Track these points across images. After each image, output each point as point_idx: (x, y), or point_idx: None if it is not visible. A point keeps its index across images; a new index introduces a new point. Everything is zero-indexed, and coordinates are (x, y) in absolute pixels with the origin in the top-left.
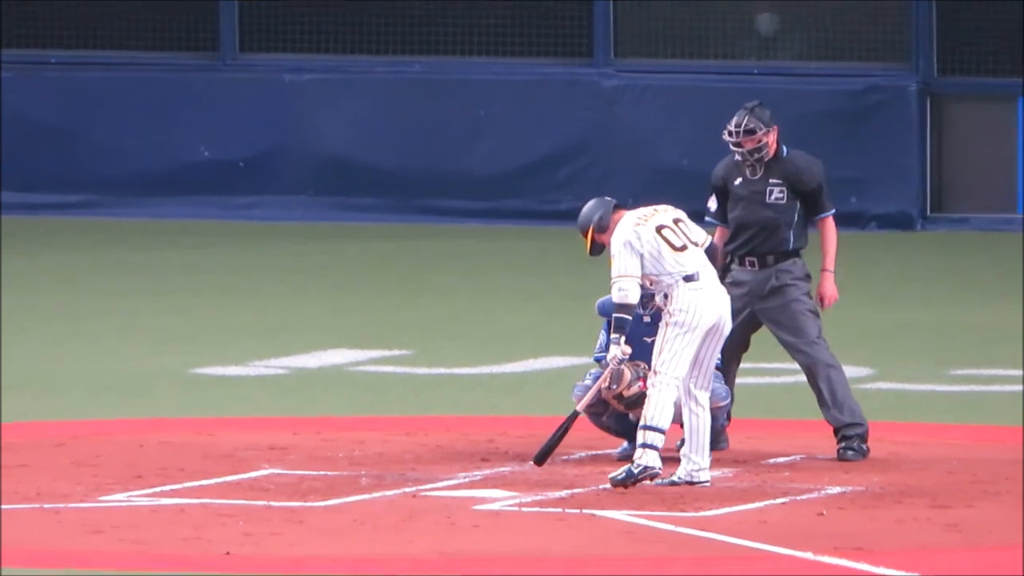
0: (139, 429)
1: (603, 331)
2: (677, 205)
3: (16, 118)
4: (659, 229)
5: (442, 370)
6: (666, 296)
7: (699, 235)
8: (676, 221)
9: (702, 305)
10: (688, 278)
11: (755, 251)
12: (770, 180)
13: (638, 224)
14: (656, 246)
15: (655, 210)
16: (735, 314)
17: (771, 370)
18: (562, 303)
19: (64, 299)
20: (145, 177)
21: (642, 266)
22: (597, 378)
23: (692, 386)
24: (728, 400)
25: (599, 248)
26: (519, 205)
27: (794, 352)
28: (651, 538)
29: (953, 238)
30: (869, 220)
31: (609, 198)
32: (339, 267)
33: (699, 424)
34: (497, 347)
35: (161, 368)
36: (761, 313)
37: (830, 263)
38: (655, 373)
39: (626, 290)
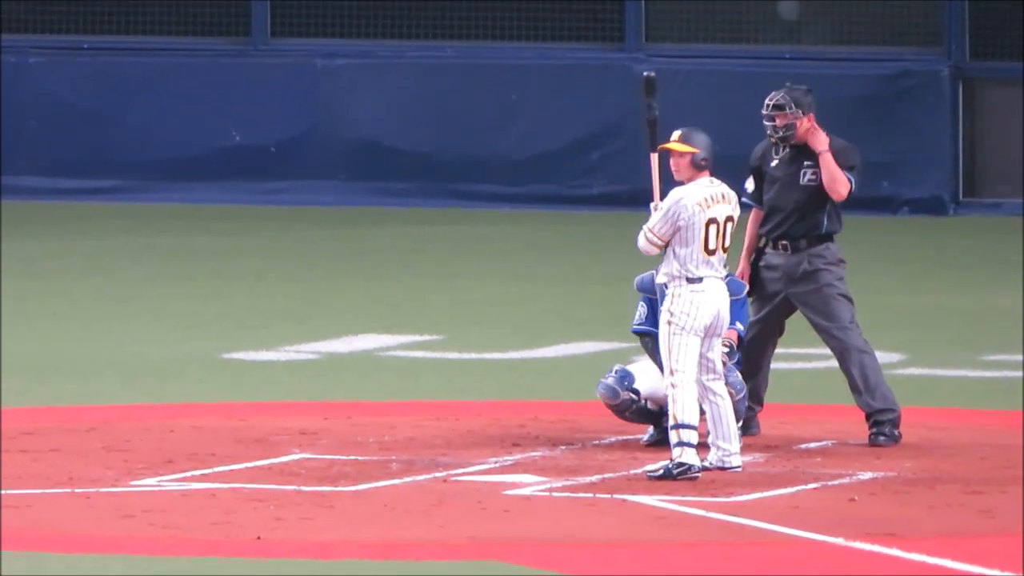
0: (170, 414)
1: (641, 303)
2: None
3: (49, 103)
4: (708, 223)
5: (473, 355)
6: (666, 286)
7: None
8: (728, 219)
9: (701, 308)
10: (692, 280)
11: (788, 234)
12: (804, 162)
13: (699, 204)
14: (694, 236)
15: (723, 197)
16: (770, 298)
17: (803, 355)
18: (593, 288)
19: (95, 284)
20: (177, 162)
21: (671, 236)
22: (618, 375)
23: (704, 380)
24: (743, 392)
25: (666, 159)
26: (550, 190)
27: (826, 337)
28: (682, 523)
29: (985, 223)
30: (901, 205)
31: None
32: (370, 252)
33: (720, 412)
34: (528, 332)
35: (192, 353)
36: (794, 297)
37: (826, 152)
38: (671, 373)
39: (647, 249)
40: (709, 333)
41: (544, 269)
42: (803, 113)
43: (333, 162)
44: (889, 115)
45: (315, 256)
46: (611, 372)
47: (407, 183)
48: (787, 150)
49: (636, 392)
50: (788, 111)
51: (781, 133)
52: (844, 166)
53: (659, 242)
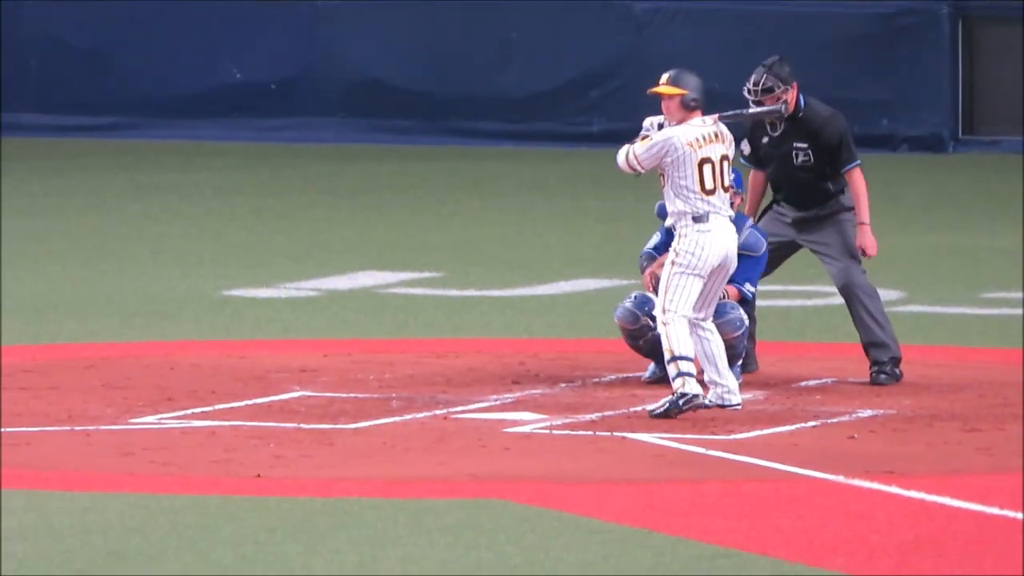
0: (170, 351)
1: (659, 231)
2: None
3: (49, 41)
4: (702, 163)
5: (473, 292)
6: (675, 229)
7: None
8: (723, 158)
9: (708, 247)
10: (698, 218)
11: (798, 202)
12: (794, 144)
13: (690, 144)
14: (687, 173)
15: (715, 136)
16: (776, 235)
17: (803, 292)
18: (592, 225)
19: (95, 221)
20: (177, 99)
21: (666, 173)
22: (637, 300)
23: (693, 317)
24: (743, 329)
25: (660, 103)
26: (550, 127)
27: (831, 273)
28: (681, 461)
29: (984, 160)
30: (900, 142)
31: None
32: (370, 189)
33: (712, 348)
34: (528, 269)
35: (192, 290)
36: (803, 235)
37: (865, 215)
38: (663, 311)
39: (623, 167)
40: (715, 273)
41: (544, 207)
42: (788, 86)
43: (333, 99)
44: (889, 53)
45: (315, 193)
46: (630, 297)
47: (407, 120)
48: (772, 124)
49: (654, 319)
50: (776, 91)
51: (776, 114)
52: (832, 140)
53: (638, 167)
